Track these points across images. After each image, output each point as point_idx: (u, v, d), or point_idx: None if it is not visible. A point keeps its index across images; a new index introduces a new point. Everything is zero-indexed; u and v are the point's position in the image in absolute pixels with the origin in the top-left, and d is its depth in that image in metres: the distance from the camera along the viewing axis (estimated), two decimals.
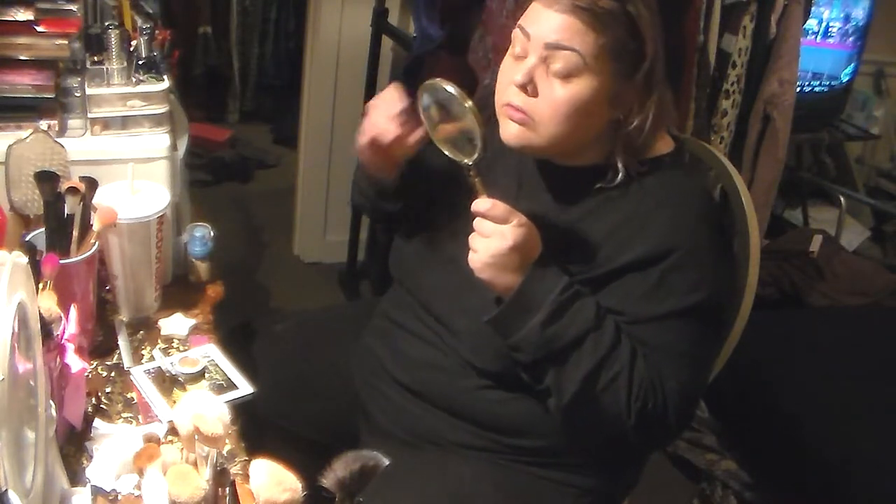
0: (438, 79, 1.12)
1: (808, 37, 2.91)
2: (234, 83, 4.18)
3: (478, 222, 1.11)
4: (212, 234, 1.52)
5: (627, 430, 1.14)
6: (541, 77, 1.13)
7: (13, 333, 0.84)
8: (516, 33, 1.16)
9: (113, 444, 1.12)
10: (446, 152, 1.14)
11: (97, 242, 1.29)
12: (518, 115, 1.15)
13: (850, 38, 3.05)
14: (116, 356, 1.33)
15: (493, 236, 1.09)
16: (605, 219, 1.20)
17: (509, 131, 1.17)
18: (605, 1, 1.10)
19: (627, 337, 1.15)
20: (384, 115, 1.22)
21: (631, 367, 1.12)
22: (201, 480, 0.96)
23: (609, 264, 1.18)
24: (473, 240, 1.12)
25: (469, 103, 1.09)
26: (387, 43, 2.75)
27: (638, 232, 1.17)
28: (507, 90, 1.16)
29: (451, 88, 1.10)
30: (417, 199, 1.37)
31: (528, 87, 1.13)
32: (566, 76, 1.11)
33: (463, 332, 1.25)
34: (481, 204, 1.10)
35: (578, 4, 1.10)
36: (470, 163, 1.11)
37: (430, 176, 1.32)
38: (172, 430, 1.11)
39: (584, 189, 1.21)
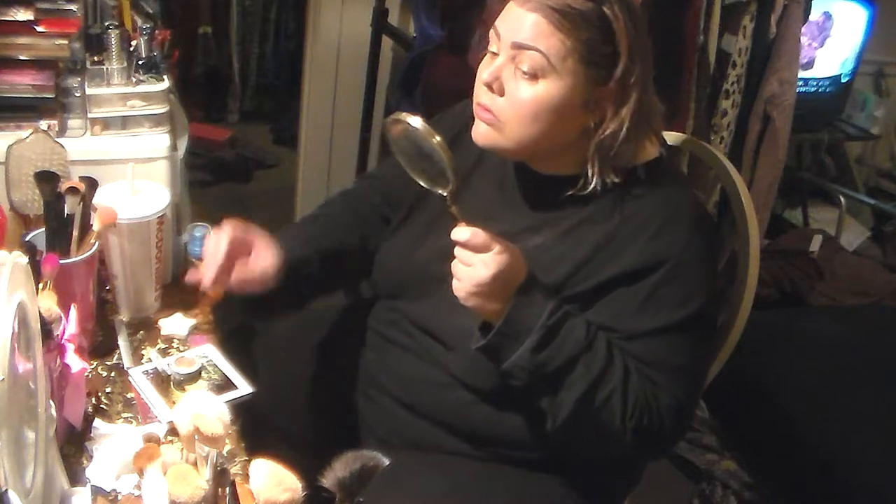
0: (404, 113, 1.07)
1: None
2: (234, 83, 4.17)
3: (458, 251, 1.08)
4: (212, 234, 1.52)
5: (624, 447, 1.13)
6: (509, 77, 1.11)
7: (13, 333, 0.84)
8: (491, 32, 1.14)
9: (113, 444, 1.12)
10: (421, 183, 1.11)
11: (97, 242, 1.29)
12: (486, 115, 1.14)
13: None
14: (116, 356, 1.33)
15: (475, 265, 1.06)
16: (592, 230, 1.17)
17: (478, 131, 1.16)
18: (579, 1, 1.07)
19: (620, 353, 1.13)
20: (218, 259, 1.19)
21: (624, 386, 1.10)
22: (201, 480, 0.96)
23: (598, 277, 1.15)
24: (456, 268, 1.08)
25: (436, 139, 1.04)
26: (387, 43, 2.75)
27: (627, 244, 1.15)
28: (479, 89, 1.15)
29: (417, 123, 1.05)
30: (400, 199, 1.35)
31: (495, 86, 1.12)
32: (532, 77, 1.09)
33: (457, 349, 1.22)
34: (461, 233, 1.06)
35: (549, 4, 1.07)
36: (444, 194, 1.07)
37: (414, 194, 1.31)
38: (172, 430, 1.11)
39: (568, 199, 1.18)
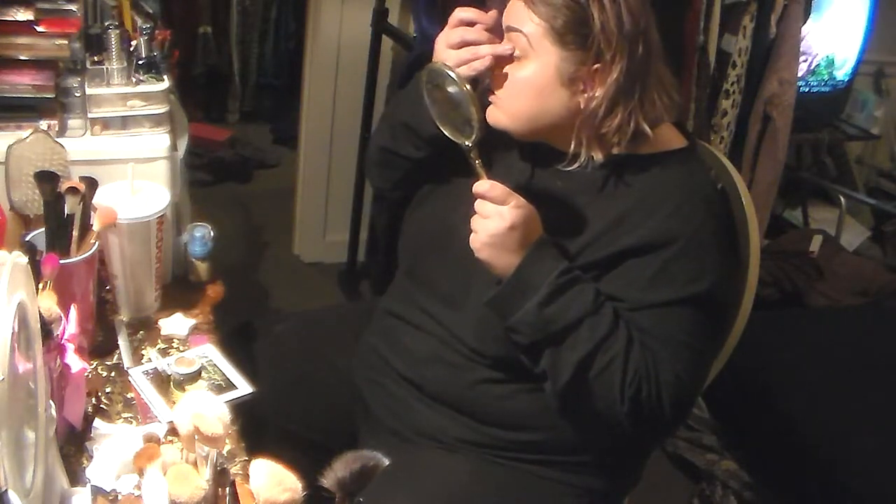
0: (441, 61, 1.16)
1: None
2: (234, 83, 4.17)
3: (478, 204, 1.13)
4: (212, 234, 1.52)
5: (621, 418, 1.14)
6: (507, 61, 1.18)
7: (13, 333, 0.84)
8: None
9: (113, 444, 1.12)
10: (447, 133, 1.17)
11: (97, 242, 1.29)
12: (491, 97, 1.21)
13: None
14: (116, 356, 1.33)
15: (491, 217, 1.11)
16: (611, 206, 1.21)
17: (488, 112, 1.21)
18: None
19: (625, 324, 1.15)
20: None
21: (626, 353, 1.12)
22: (201, 480, 0.96)
23: (611, 247, 1.18)
24: (474, 221, 1.14)
25: (467, 87, 1.12)
26: (387, 43, 2.74)
27: (643, 219, 1.18)
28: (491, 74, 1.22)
29: (451, 72, 1.14)
30: (432, 167, 1.36)
31: (496, 69, 1.19)
32: (520, 58, 1.17)
33: (468, 310, 1.25)
34: (481, 185, 1.12)
35: None
36: (469, 144, 1.14)
37: (443, 160, 1.32)
38: (172, 430, 1.11)
39: (590, 177, 1.22)
